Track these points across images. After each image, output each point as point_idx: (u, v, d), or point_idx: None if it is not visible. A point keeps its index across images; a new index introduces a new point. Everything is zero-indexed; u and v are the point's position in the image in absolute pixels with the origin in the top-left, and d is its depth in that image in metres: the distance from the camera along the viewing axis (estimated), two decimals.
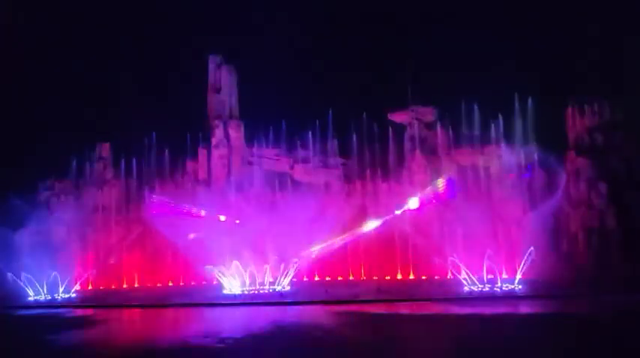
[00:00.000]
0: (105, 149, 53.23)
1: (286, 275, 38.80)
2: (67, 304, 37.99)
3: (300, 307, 32.18)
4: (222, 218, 44.34)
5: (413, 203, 44.82)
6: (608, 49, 48.96)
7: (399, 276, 45.27)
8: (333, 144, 50.81)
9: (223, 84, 52.76)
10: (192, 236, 42.65)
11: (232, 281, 38.08)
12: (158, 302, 36.20)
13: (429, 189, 44.05)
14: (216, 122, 51.36)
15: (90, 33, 59.64)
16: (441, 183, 43.30)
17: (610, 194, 42.54)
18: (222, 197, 45.38)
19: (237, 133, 51.41)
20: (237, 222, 43.02)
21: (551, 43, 52.37)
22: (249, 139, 51.59)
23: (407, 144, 49.80)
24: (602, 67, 47.80)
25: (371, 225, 45.55)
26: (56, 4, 57.40)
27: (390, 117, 50.91)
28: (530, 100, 45.88)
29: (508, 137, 45.64)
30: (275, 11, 58.93)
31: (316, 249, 43.45)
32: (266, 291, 37.52)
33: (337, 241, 44.21)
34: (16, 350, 21.54)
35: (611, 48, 48.81)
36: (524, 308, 28.36)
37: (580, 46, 49.60)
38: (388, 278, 45.10)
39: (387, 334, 22.35)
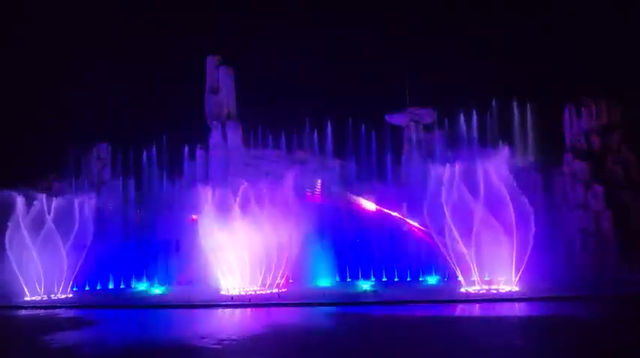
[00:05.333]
0: (103, 149, 53.35)
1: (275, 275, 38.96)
2: (64, 304, 37.95)
3: (298, 308, 32.27)
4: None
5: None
6: (605, 50, 49.20)
7: (396, 278, 45.37)
8: (330, 146, 50.91)
9: (221, 85, 52.80)
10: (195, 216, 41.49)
11: (230, 280, 38.36)
12: (154, 303, 36.23)
13: None
14: (214, 123, 51.41)
15: (88, 32, 59.83)
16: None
17: (607, 196, 42.74)
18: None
19: (235, 134, 51.44)
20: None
21: (550, 44, 52.58)
22: (247, 140, 51.65)
23: (404, 146, 49.94)
24: (600, 69, 48.01)
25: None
26: (56, 4, 57.53)
27: (387, 119, 51.02)
28: (527, 102, 46.03)
29: (505, 139, 45.71)
30: (273, 12, 59.15)
31: None
32: (264, 292, 37.56)
33: None
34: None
35: (609, 49, 49.04)
36: (523, 311, 28.46)
37: (578, 47, 49.85)
38: (385, 279, 45.22)
39: (382, 336, 22.40)
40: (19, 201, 41.72)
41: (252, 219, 38.01)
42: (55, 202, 42.52)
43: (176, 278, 47.01)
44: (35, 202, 42.12)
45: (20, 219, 41.39)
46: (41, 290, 40.89)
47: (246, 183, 39.48)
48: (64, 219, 41.97)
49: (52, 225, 41.54)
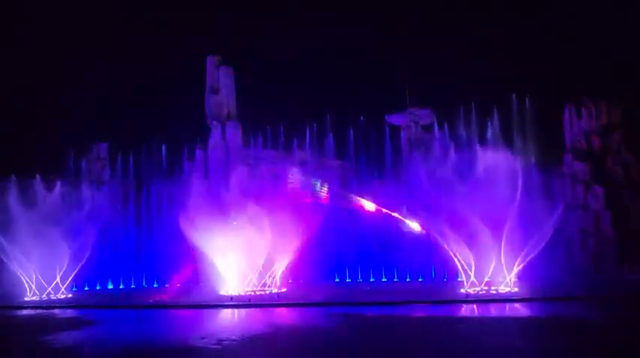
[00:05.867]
0: (102, 149, 53.38)
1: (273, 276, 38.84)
2: (63, 304, 37.91)
3: (297, 308, 32.31)
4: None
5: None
6: (605, 50, 49.12)
7: (396, 278, 45.38)
8: (330, 146, 50.87)
9: (221, 85, 52.73)
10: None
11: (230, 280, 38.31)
12: (154, 303, 36.21)
13: None
14: (214, 123, 51.38)
15: (88, 32, 59.78)
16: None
17: (607, 196, 42.77)
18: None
19: (235, 134, 51.41)
20: (235, 223, 42.89)
21: (550, 44, 52.54)
22: (247, 141, 51.61)
23: (404, 147, 49.92)
24: (600, 69, 47.95)
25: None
26: (56, 4, 57.47)
27: (387, 120, 51.00)
28: (527, 103, 45.99)
29: (505, 139, 45.68)
30: (273, 12, 59.10)
31: None
32: (263, 293, 37.52)
33: None
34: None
35: (609, 49, 48.97)
36: (524, 311, 28.48)
37: (578, 47, 49.78)
38: (385, 279, 45.24)
39: (382, 336, 22.40)
40: (14, 185, 40.85)
41: (251, 213, 37.60)
42: (60, 183, 41.98)
43: (175, 279, 47.01)
44: (34, 181, 41.45)
45: (14, 202, 40.10)
46: (47, 287, 40.37)
47: (246, 166, 39.10)
48: (69, 203, 41.23)
49: (58, 201, 40.73)
